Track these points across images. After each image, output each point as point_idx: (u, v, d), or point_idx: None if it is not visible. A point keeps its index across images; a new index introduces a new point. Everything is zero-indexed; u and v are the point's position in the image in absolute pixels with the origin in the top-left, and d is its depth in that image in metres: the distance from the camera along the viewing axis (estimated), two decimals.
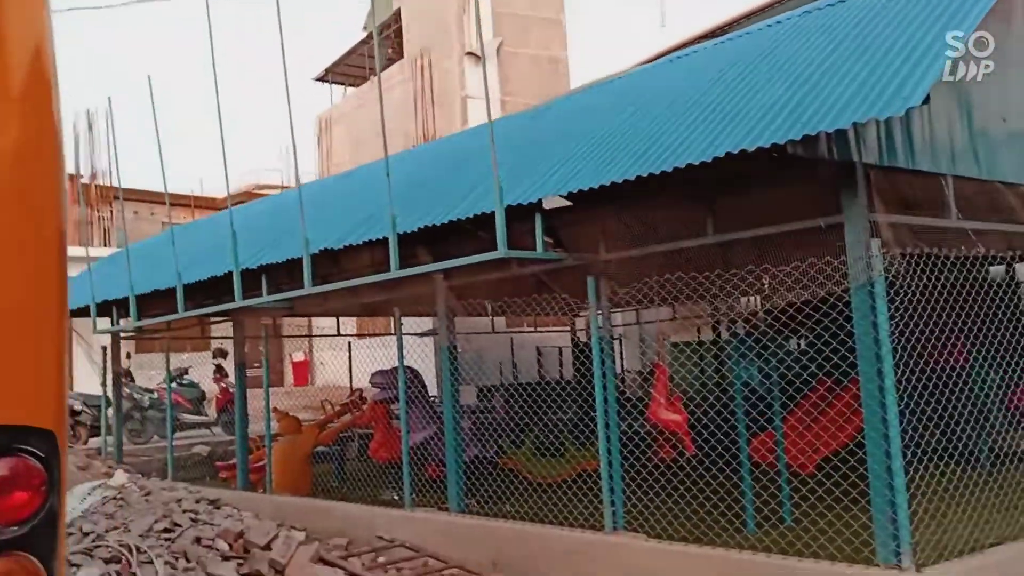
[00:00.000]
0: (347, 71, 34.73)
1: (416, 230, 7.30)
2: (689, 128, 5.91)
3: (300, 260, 8.30)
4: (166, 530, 6.62)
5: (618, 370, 18.08)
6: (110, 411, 16.24)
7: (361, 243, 7.63)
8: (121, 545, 6.23)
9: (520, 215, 6.87)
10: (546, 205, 6.55)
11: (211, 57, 9.11)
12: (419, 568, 7.02)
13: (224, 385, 17.29)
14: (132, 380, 16.88)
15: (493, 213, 6.37)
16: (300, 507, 9.34)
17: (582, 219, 6.87)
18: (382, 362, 11.02)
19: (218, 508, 7.31)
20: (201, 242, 11.56)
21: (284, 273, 9.11)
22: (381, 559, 7.28)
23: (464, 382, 20.14)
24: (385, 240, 7.58)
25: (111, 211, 26.19)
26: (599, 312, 6.58)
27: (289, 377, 27.06)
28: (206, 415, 17.43)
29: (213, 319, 12.67)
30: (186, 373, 18.77)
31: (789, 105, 5.42)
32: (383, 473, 10.14)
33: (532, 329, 20.83)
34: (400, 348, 8.42)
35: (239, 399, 11.14)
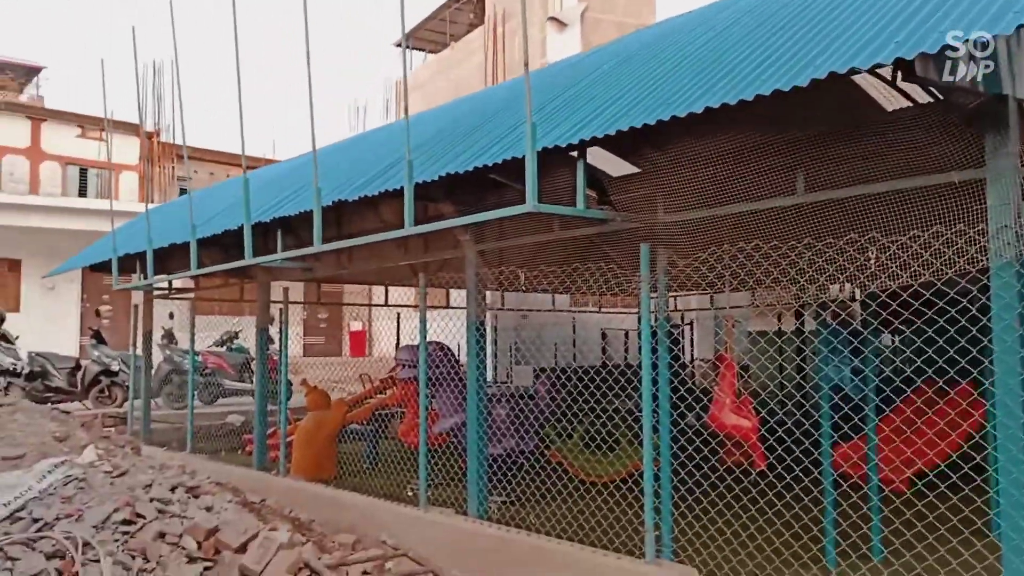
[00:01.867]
0: (427, 36, 33.69)
1: (438, 180, 6.08)
2: (778, 52, 4.50)
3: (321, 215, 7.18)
4: (126, 522, 5.62)
5: (688, 358, 16.66)
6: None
7: (378, 195, 6.45)
8: (66, 538, 5.26)
9: (564, 163, 5.61)
10: (591, 159, 5.25)
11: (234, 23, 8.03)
12: None
13: (269, 352, 16.49)
14: (174, 342, 16.23)
15: (524, 159, 5.09)
16: (311, 495, 8.32)
17: (638, 173, 5.54)
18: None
19: (196, 497, 6.30)
20: (233, 198, 10.59)
21: (306, 231, 8.03)
22: (375, 573, 6.16)
23: (523, 363, 19.07)
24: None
25: (173, 168, 25.85)
26: (653, 285, 5.25)
27: (347, 347, 26.39)
28: (250, 383, 16.65)
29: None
30: (236, 337, 18.08)
31: (917, 17, 3.98)
32: (414, 459, 9.07)
33: (597, 309, 19.50)
34: (423, 321, 7.25)
35: (260, 366, 10.25)
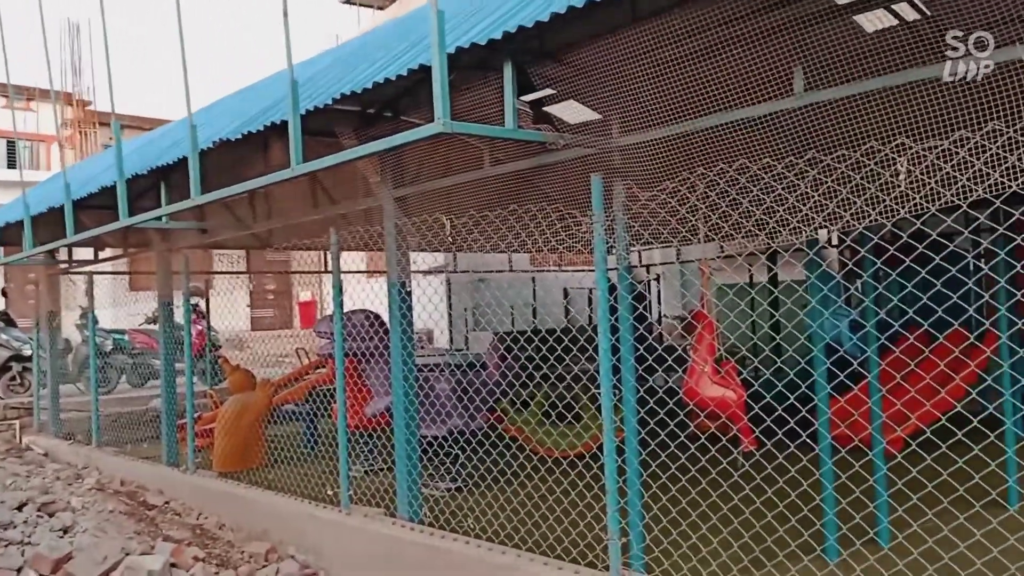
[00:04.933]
0: None
1: (344, 116, 4.86)
2: None
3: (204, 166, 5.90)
4: None
5: (655, 316, 15.60)
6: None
7: (274, 139, 5.18)
8: None
9: (487, 81, 4.38)
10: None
11: None
12: None
13: (201, 328, 15.14)
14: (94, 322, 14.77)
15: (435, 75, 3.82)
16: (221, 494, 7.10)
17: (585, 82, 4.32)
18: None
19: (50, 516, 5.05)
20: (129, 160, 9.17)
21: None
22: None
23: (480, 329, 17.94)
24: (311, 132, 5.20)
25: (96, 134, 24.11)
26: (606, 226, 4.07)
27: (297, 319, 25.04)
28: (182, 361, 15.28)
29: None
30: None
31: None
32: (352, 442, 7.84)
33: (558, 268, 18.36)
34: (337, 287, 6.03)
35: (164, 344, 8.94)
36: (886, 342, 5.22)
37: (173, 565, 4.96)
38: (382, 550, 5.30)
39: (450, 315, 19.10)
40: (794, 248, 4.07)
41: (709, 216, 3.99)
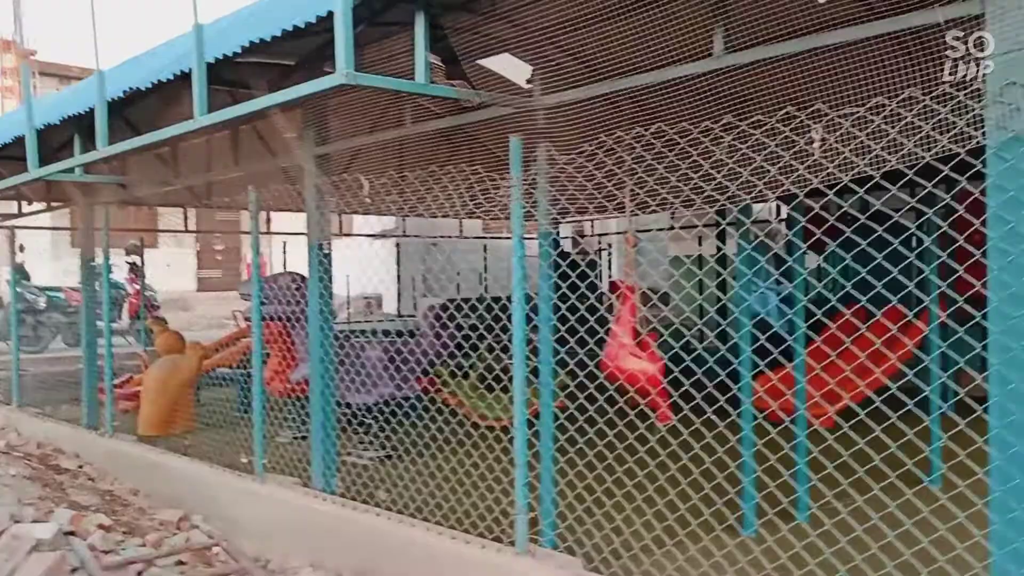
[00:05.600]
0: None
1: (261, 71, 4.61)
2: None
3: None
4: None
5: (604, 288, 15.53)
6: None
7: (170, 81, 4.89)
8: None
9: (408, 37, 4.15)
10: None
11: None
12: None
13: (139, 287, 14.75)
14: (26, 278, 14.30)
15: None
16: (135, 460, 6.86)
17: (507, 34, 4.12)
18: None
19: None
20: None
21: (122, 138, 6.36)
22: (188, 570, 4.81)
23: (429, 295, 17.75)
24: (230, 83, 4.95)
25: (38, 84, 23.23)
26: (520, 186, 3.90)
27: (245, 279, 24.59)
28: (117, 321, 14.88)
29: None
30: (110, 271, 16.24)
31: None
32: (280, 409, 7.63)
33: (509, 236, 18.15)
34: (255, 247, 5.78)
35: (86, 302, 8.64)
36: (803, 318, 5.16)
37: (71, 533, 4.75)
38: (293, 519, 5.14)
39: (399, 280, 18.84)
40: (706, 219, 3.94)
41: (624, 182, 3.84)
